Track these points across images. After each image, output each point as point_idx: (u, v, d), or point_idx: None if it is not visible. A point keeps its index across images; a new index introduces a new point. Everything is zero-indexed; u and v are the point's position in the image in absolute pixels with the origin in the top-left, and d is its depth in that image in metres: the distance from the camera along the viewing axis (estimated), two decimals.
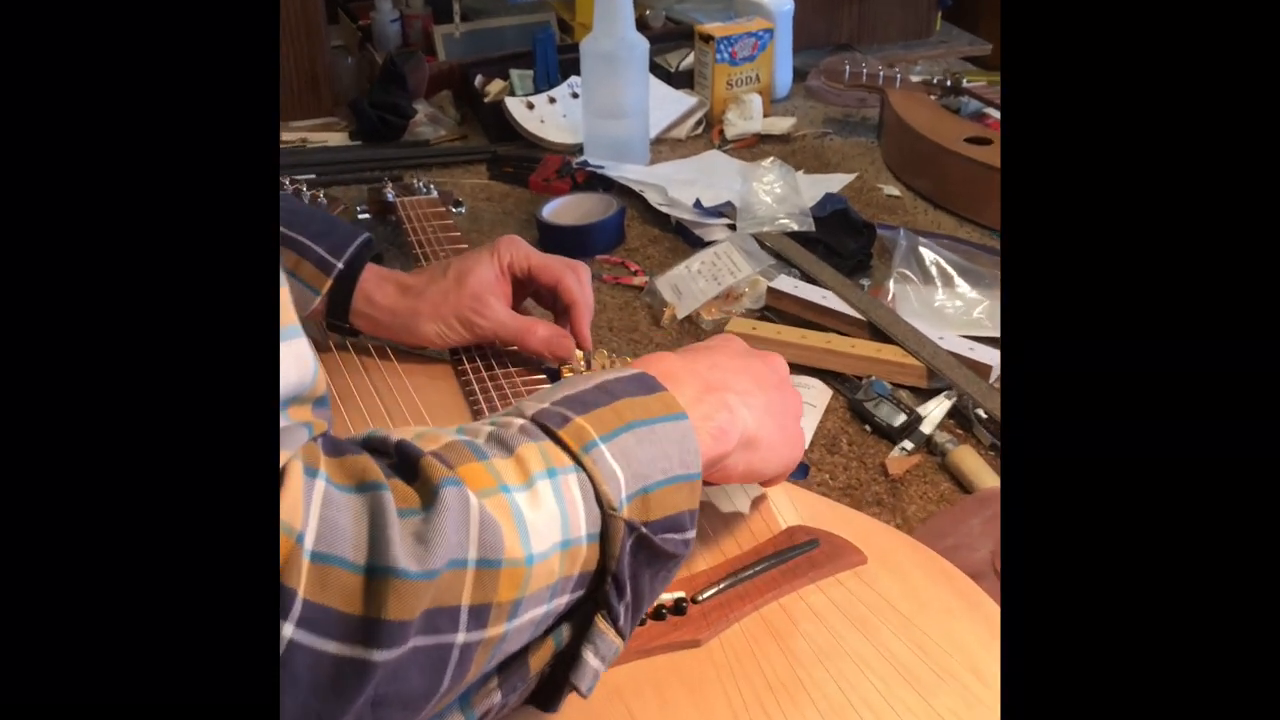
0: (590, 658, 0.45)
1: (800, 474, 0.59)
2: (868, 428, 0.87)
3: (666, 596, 0.56)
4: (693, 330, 1.00)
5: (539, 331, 0.76)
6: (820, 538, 0.61)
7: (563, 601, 0.44)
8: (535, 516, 0.42)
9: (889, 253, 1.08)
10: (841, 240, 1.08)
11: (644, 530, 0.45)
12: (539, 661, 0.45)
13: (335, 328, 0.79)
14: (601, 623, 0.45)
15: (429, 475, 0.39)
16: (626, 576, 0.45)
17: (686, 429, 0.49)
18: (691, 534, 0.48)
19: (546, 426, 0.45)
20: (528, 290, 0.81)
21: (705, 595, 0.57)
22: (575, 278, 0.78)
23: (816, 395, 0.89)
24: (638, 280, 1.08)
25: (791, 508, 0.65)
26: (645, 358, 0.55)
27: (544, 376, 0.77)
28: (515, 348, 0.78)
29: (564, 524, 0.43)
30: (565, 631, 0.45)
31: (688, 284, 1.03)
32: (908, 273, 1.04)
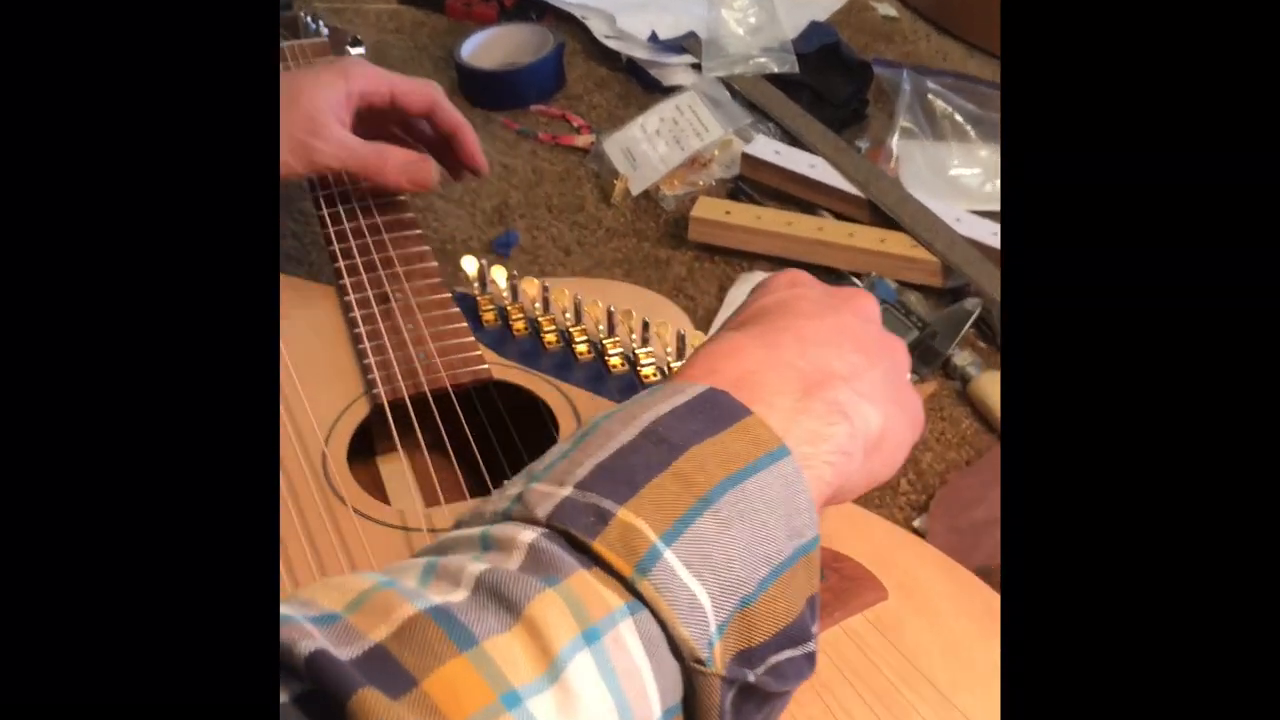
0: None
1: None
2: None
3: None
4: (651, 209, 0.81)
5: (393, 157, 0.63)
6: (824, 563, 0.46)
7: None
8: None
9: (888, 97, 0.89)
10: (832, 84, 0.88)
11: (751, 678, 0.29)
12: None
13: None
14: None
15: None
16: None
17: (792, 473, 0.31)
18: (815, 639, 0.32)
19: (572, 535, 0.28)
20: (387, 124, 0.68)
21: None
22: (446, 99, 0.68)
23: None
24: (581, 140, 0.88)
25: None
26: (704, 351, 0.35)
27: (457, 312, 0.58)
28: (366, 181, 0.64)
29: (622, 718, 0.27)
30: None
31: (643, 149, 0.83)
32: (912, 126, 0.84)
